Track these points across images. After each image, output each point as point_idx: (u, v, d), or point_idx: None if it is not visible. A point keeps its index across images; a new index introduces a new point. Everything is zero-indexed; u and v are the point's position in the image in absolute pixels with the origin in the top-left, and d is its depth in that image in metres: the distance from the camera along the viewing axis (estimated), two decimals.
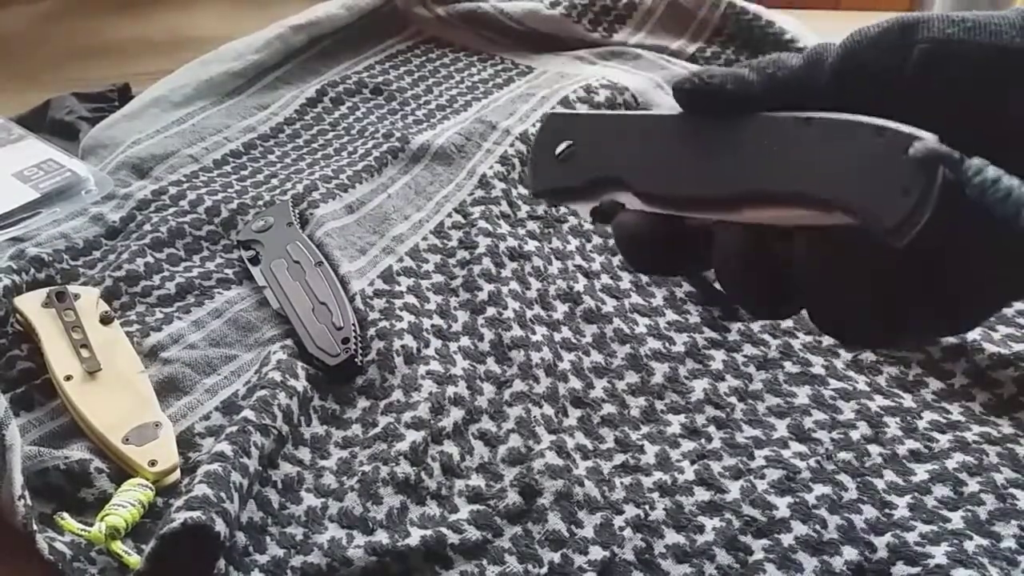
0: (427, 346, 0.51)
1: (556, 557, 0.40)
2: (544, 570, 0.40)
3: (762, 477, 0.43)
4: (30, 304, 0.51)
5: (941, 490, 0.42)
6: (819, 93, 0.29)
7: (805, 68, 0.29)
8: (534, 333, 0.52)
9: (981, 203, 0.24)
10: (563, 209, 0.62)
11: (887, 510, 0.42)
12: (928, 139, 0.24)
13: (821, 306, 0.31)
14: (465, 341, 0.51)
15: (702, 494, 0.43)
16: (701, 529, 0.41)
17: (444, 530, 0.40)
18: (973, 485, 0.43)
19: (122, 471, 0.44)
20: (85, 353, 0.48)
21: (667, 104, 0.73)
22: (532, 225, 0.60)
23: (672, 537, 0.41)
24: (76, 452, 0.44)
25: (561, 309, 0.54)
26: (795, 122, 0.28)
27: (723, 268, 0.31)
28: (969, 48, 0.27)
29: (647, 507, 0.42)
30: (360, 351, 0.50)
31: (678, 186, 0.30)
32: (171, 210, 0.61)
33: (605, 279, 0.56)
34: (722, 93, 0.29)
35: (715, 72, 0.30)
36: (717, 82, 0.29)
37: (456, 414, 0.47)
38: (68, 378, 0.47)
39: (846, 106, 0.27)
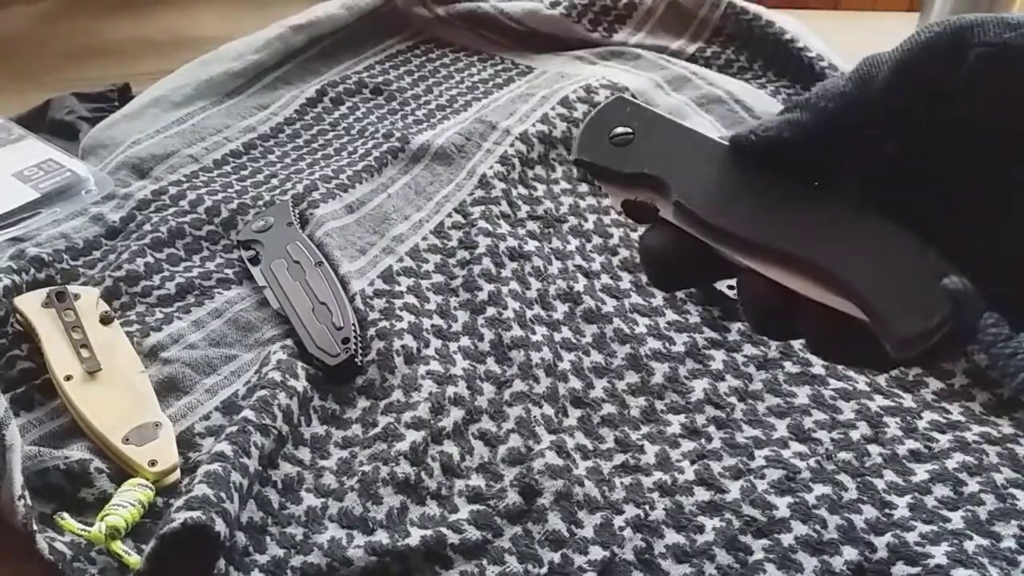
0: (427, 346, 0.51)
1: (556, 557, 0.40)
2: (544, 570, 0.40)
3: (762, 477, 0.43)
4: (30, 304, 0.51)
5: (941, 490, 0.42)
6: (874, 111, 0.29)
7: (856, 91, 0.29)
8: (534, 333, 0.52)
9: (988, 352, 0.25)
10: (563, 209, 0.62)
11: (887, 510, 0.42)
12: (962, 279, 0.26)
13: (825, 354, 0.32)
14: (465, 341, 0.51)
15: (702, 494, 0.43)
16: (701, 529, 0.41)
17: (444, 530, 0.40)
18: (973, 485, 0.43)
19: (122, 471, 0.44)
20: (85, 353, 0.48)
21: (666, 105, 0.73)
22: (532, 225, 0.60)
23: (672, 537, 0.41)
24: (76, 452, 0.44)
25: (561, 309, 0.54)
26: (849, 209, 0.28)
27: (746, 306, 0.31)
28: None
29: (647, 507, 0.42)
30: (360, 351, 0.50)
31: (717, 215, 0.30)
32: (171, 210, 0.61)
33: (605, 279, 0.56)
34: (779, 143, 0.29)
35: (770, 124, 0.30)
36: (773, 134, 0.30)
37: (456, 414, 0.47)
38: (68, 378, 0.47)
39: (901, 117, 0.28)
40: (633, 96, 0.72)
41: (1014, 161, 0.27)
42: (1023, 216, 0.28)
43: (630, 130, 0.32)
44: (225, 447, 0.42)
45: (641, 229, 0.33)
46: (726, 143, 0.31)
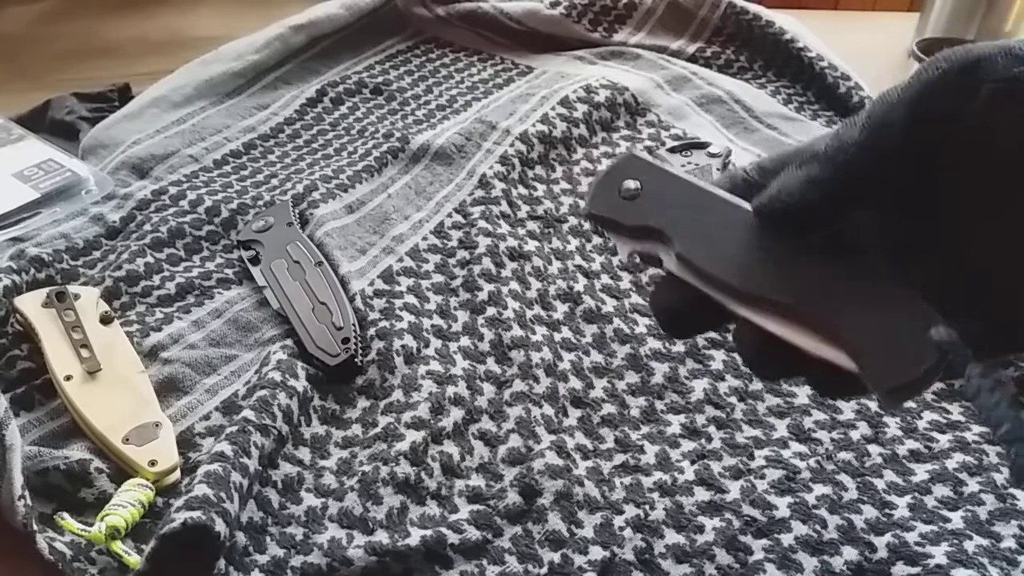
0: (427, 346, 0.51)
1: (556, 557, 0.40)
2: (544, 570, 0.40)
3: (762, 477, 0.43)
4: (30, 304, 0.51)
5: (941, 490, 0.42)
6: (894, 158, 0.29)
7: (873, 140, 0.29)
8: (534, 333, 0.52)
9: (973, 402, 0.26)
10: (563, 209, 0.62)
11: (887, 510, 0.42)
12: (949, 331, 0.27)
13: (825, 394, 0.33)
14: (465, 341, 0.51)
15: (702, 494, 0.43)
16: (701, 529, 0.41)
17: (444, 530, 0.40)
18: (973, 485, 0.43)
19: (122, 471, 0.44)
20: (85, 353, 0.48)
21: (666, 105, 0.73)
22: (532, 225, 0.60)
23: (672, 537, 0.41)
24: (76, 452, 0.44)
25: (561, 309, 0.54)
26: (842, 259, 0.30)
27: (742, 351, 0.33)
28: None
29: (647, 507, 0.42)
30: (360, 351, 0.50)
31: (715, 267, 0.31)
32: (171, 210, 0.61)
33: (605, 279, 0.56)
34: (804, 208, 0.30)
35: (791, 188, 0.30)
36: (796, 199, 0.30)
37: (456, 414, 0.47)
38: (68, 378, 0.47)
39: (920, 157, 0.28)
40: (634, 97, 0.72)
41: None
42: None
43: (638, 184, 0.34)
44: (225, 447, 0.42)
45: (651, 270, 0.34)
46: (728, 197, 0.32)
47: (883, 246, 0.31)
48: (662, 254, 0.33)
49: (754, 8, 0.82)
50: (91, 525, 0.40)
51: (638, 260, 0.34)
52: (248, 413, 0.44)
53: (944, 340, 0.26)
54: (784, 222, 0.30)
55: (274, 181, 0.65)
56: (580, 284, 0.55)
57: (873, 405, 0.47)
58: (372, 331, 0.51)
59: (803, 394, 0.48)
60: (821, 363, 0.29)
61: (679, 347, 0.51)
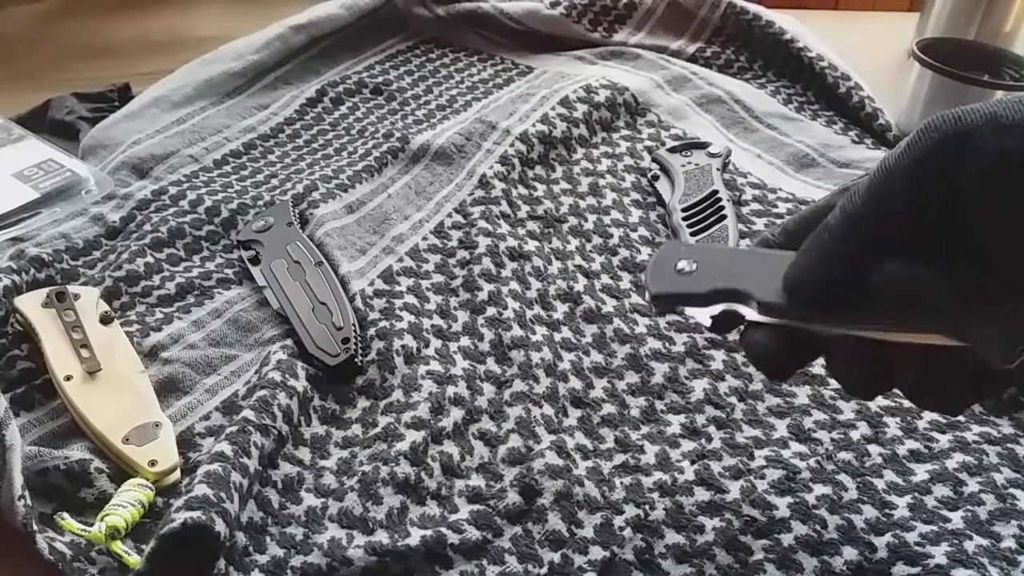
0: (427, 346, 0.51)
1: (556, 557, 0.40)
2: (544, 570, 0.40)
3: (762, 477, 0.43)
4: (30, 304, 0.51)
5: (941, 490, 0.42)
6: (896, 223, 0.30)
7: (874, 208, 0.30)
8: (534, 333, 0.52)
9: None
10: (563, 209, 0.62)
11: (887, 510, 0.42)
12: None
13: (923, 395, 0.34)
14: (465, 341, 0.51)
15: (702, 494, 0.43)
16: (701, 529, 0.41)
17: (444, 530, 0.40)
18: (973, 485, 0.43)
19: (122, 471, 0.44)
20: (85, 353, 0.48)
21: (666, 105, 0.73)
22: (532, 225, 0.60)
23: (672, 537, 0.41)
24: (76, 452, 0.44)
25: (561, 309, 0.54)
26: None
27: (841, 370, 0.35)
28: None
29: (647, 507, 0.42)
30: (360, 351, 0.50)
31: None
32: (171, 210, 0.61)
33: (605, 279, 0.56)
34: (821, 297, 0.32)
35: (809, 273, 0.32)
36: (818, 283, 0.32)
37: (456, 414, 0.47)
38: (68, 378, 0.47)
39: (924, 228, 0.29)
40: (634, 96, 0.72)
41: None
42: None
43: (693, 262, 0.36)
44: (225, 447, 0.42)
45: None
46: (773, 252, 0.35)
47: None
48: (742, 310, 0.35)
49: (754, 8, 0.82)
50: (91, 525, 0.40)
51: (713, 328, 0.37)
52: (248, 413, 0.44)
53: None
54: (813, 304, 0.32)
55: (274, 181, 0.65)
56: (580, 284, 0.55)
57: (873, 405, 0.47)
58: (372, 331, 0.51)
59: (803, 394, 0.48)
60: (922, 360, 0.31)
61: (679, 347, 0.51)
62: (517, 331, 0.51)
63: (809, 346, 0.35)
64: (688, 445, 0.46)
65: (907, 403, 0.47)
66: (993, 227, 0.28)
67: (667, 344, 0.51)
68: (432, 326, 0.52)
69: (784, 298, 0.33)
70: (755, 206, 0.62)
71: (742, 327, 0.35)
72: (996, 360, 0.28)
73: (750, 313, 0.34)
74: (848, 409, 0.47)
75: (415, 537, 0.40)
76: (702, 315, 0.36)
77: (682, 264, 0.36)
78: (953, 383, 0.32)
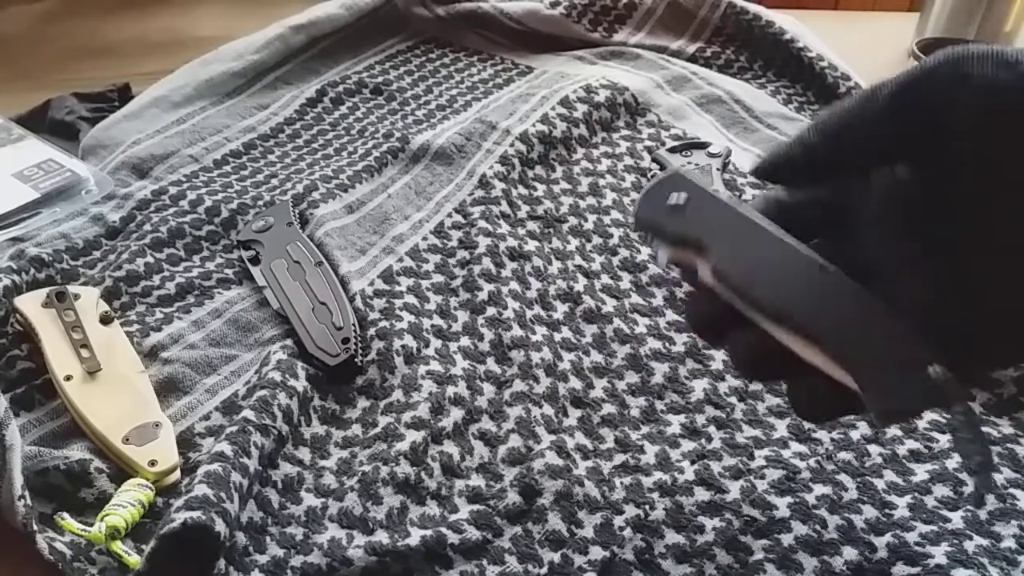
0: (427, 346, 0.51)
1: (556, 557, 0.40)
2: (544, 570, 0.40)
3: (762, 477, 0.43)
4: (30, 304, 0.51)
5: (941, 490, 0.42)
6: (876, 128, 0.31)
7: (858, 108, 0.31)
8: (534, 333, 0.52)
9: (953, 435, 0.30)
10: (563, 209, 0.62)
11: (887, 510, 0.42)
12: (944, 370, 0.30)
13: (806, 407, 0.36)
14: (465, 341, 0.51)
15: (702, 494, 0.43)
16: (701, 529, 0.41)
17: (444, 530, 0.40)
18: (973, 485, 0.42)
19: (122, 471, 0.44)
20: (85, 353, 0.48)
21: (666, 105, 0.73)
22: (532, 225, 0.60)
23: (672, 537, 0.41)
24: (76, 452, 0.44)
25: (561, 309, 0.54)
26: (860, 294, 0.32)
27: (737, 349, 0.36)
28: (1019, 96, 0.28)
29: (647, 507, 0.42)
30: (360, 351, 0.50)
31: (747, 283, 0.34)
32: (171, 210, 0.61)
33: (605, 279, 0.56)
34: (789, 163, 0.33)
35: (781, 148, 0.33)
36: (782, 159, 0.33)
37: (456, 414, 0.47)
38: (68, 378, 0.47)
39: (905, 140, 0.30)
40: (634, 97, 0.72)
41: (1007, 200, 0.28)
42: (1011, 254, 0.29)
43: (684, 198, 0.37)
44: (225, 447, 0.42)
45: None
46: (762, 221, 0.35)
47: (890, 262, 0.33)
48: (699, 264, 0.35)
49: (754, 8, 0.82)
50: (91, 525, 0.40)
51: (674, 271, 0.37)
52: (248, 413, 0.44)
53: (939, 378, 0.30)
54: (773, 179, 0.33)
55: (274, 181, 0.65)
56: (580, 284, 0.55)
57: None
58: (372, 331, 0.51)
59: None
60: (813, 377, 0.32)
61: (679, 347, 0.51)
62: (517, 331, 0.51)
63: (735, 321, 0.35)
64: (688, 445, 0.46)
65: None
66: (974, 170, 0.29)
67: (667, 344, 0.51)
68: (432, 326, 0.52)
69: (752, 170, 0.34)
70: None
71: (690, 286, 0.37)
72: (879, 417, 0.30)
73: (703, 271, 0.35)
74: None
75: (415, 537, 0.40)
76: (662, 254, 0.37)
77: (674, 196, 0.37)
78: (831, 401, 0.33)
